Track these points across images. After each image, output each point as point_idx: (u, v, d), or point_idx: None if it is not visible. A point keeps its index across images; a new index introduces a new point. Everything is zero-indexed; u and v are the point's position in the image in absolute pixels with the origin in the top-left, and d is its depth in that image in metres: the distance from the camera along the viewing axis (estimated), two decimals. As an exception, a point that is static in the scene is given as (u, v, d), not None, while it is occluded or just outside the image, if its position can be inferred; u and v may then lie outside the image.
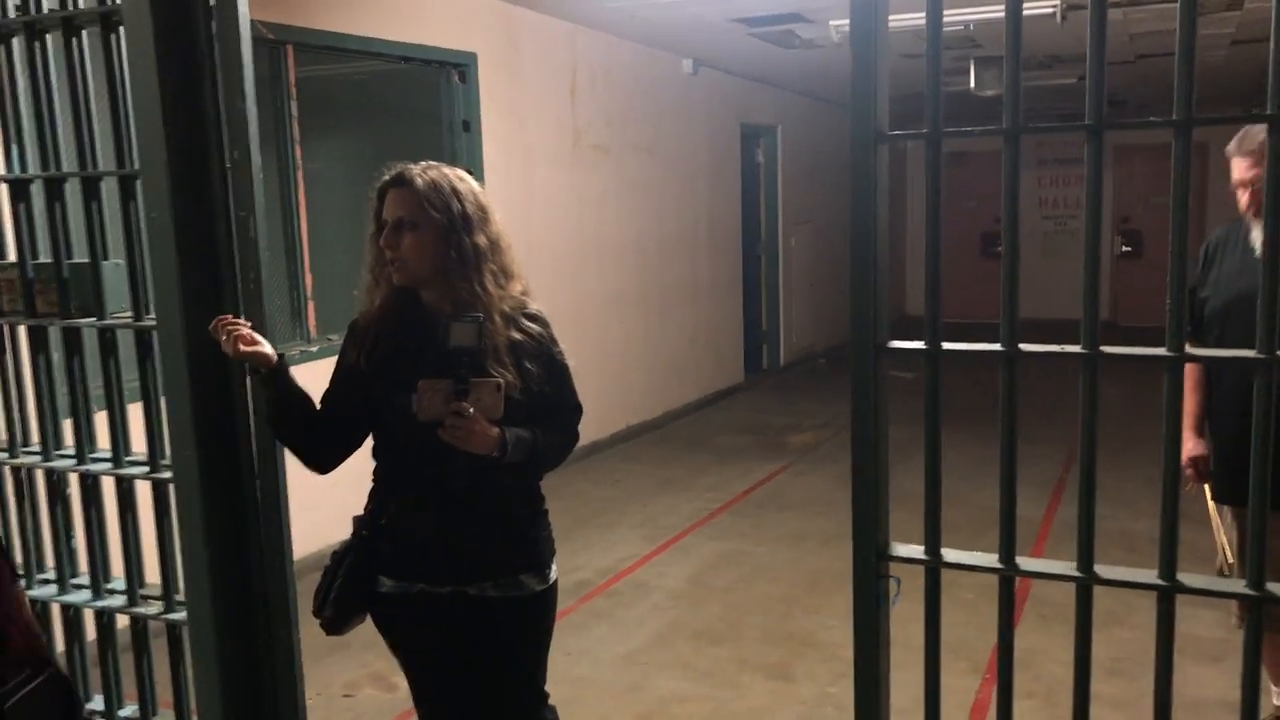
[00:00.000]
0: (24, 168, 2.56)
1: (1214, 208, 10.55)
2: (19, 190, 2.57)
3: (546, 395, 2.22)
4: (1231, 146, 2.69)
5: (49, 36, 2.50)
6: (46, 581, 2.71)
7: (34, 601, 2.61)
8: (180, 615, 2.47)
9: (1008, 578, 1.80)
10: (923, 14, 1.72)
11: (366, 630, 2.32)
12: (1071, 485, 5.72)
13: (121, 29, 2.29)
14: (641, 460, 7.10)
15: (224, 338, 2.13)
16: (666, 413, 8.19)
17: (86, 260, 2.48)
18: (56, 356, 2.68)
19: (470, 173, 2.29)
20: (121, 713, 2.68)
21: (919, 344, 1.78)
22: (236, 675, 2.41)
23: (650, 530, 5.54)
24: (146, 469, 2.50)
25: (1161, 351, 1.63)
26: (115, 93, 2.35)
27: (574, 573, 4.84)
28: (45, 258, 2.56)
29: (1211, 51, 7.92)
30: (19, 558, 2.74)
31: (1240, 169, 2.68)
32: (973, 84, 7.87)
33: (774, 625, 4.26)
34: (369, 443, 2.30)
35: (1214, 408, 2.94)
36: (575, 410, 2.32)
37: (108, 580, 2.65)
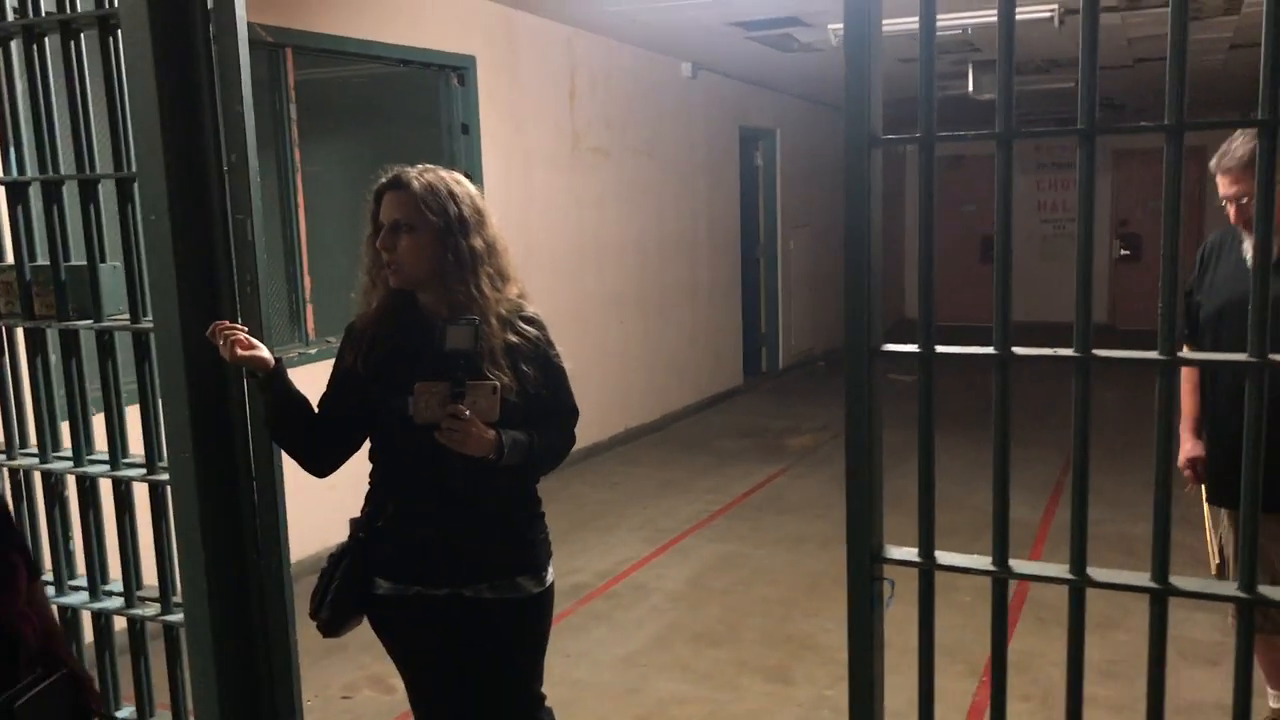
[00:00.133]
0: (22, 170, 2.56)
1: (1211, 211, 10.56)
2: (17, 193, 2.57)
3: (543, 398, 2.23)
4: (1213, 163, 2.70)
5: (47, 39, 2.51)
6: (44, 583, 2.71)
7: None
8: (177, 617, 2.48)
9: (1001, 580, 1.81)
10: (917, 18, 1.73)
11: (364, 632, 2.33)
12: (1069, 489, 5.71)
13: (119, 32, 2.29)
14: (640, 463, 7.10)
15: (221, 342, 2.14)
16: (665, 415, 8.20)
17: (84, 263, 2.48)
18: (54, 358, 2.69)
19: (468, 176, 2.30)
20: (119, 714, 2.68)
21: (912, 347, 1.79)
22: (234, 677, 2.42)
23: (649, 532, 5.55)
24: (144, 471, 2.51)
25: (1154, 355, 1.64)
26: (113, 96, 2.36)
27: (573, 575, 4.84)
28: (43, 260, 2.56)
29: (1209, 56, 7.93)
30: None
31: (1223, 185, 2.69)
32: (970, 88, 7.88)
33: (773, 628, 4.26)
34: (367, 445, 2.30)
35: (1208, 411, 2.95)
36: (572, 413, 2.32)
37: (105, 582, 2.65)
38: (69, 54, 2.42)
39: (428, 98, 5.84)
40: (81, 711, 1.49)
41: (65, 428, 2.67)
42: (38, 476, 2.69)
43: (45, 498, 2.68)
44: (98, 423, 2.62)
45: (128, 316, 2.46)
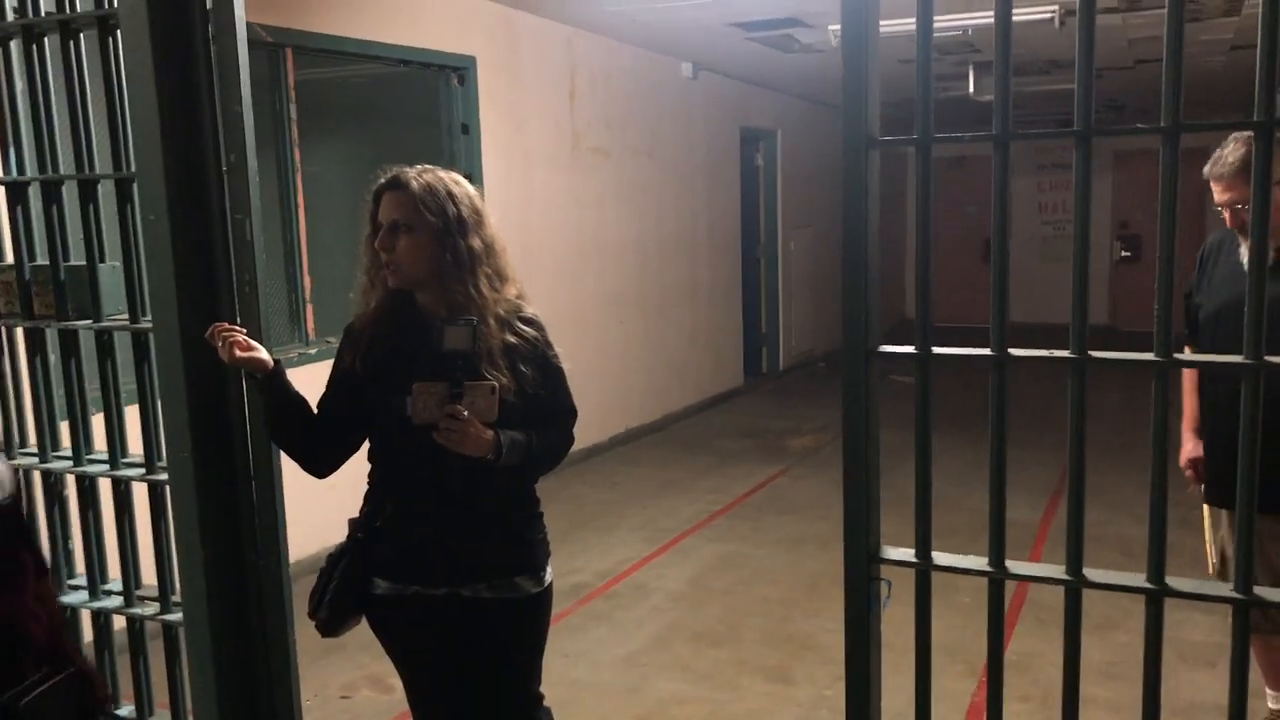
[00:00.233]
0: (21, 170, 2.57)
1: (1212, 213, 10.53)
2: (17, 193, 2.58)
3: (541, 398, 2.23)
4: (1207, 170, 2.70)
5: (47, 40, 2.51)
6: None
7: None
8: (176, 616, 2.48)
9: (997, 581, 1.81)
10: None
11: (363, 632, 2.33)
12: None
13: (119, 32, 2.30)
14: (641, 463, 7.11)
15: (220, 344, 2.14)
16: (666, 415, 8.20)
17: (83, 263, 2.49)
18: (54, 358, 2.69)
19: (468, 176, 2.30)
20: (118, 713, 2.68)
21: (909, 348, 1.79)
22: (233, 676, 2.42)
23: (649, 533, 5.55)
24: (143, 471, 2.51)
25: (1149, 356, 1.64)
26: (112, 96, 2.36)
27: (573, 575, 4.84)
28: (42, 260, 2.57)
29: (1210, 57, 7.93)
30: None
31: (1217, 192, 2.70)
32: (971, 89, 7.89)
33: (773, 628, 4.27)
34: (366, 445, 2.31)
35: (1206, 413, 2.95)
36: (570, 413, 2.32)
37: (104, 581, 2.66)
38: (68, 54, 2.43)
39: (428, 98, 5.85)
40: (88, 711, 1.50)
41: (65, 427, 2.68)
42: (37, 476, 2.70)
43: (45, 497, 2.68)
44: (97, 422, 2.63)
45: (127, 316, 2.47)
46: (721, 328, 9.20)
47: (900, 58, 7.05)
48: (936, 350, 1.78)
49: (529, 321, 2.24)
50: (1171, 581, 1.69)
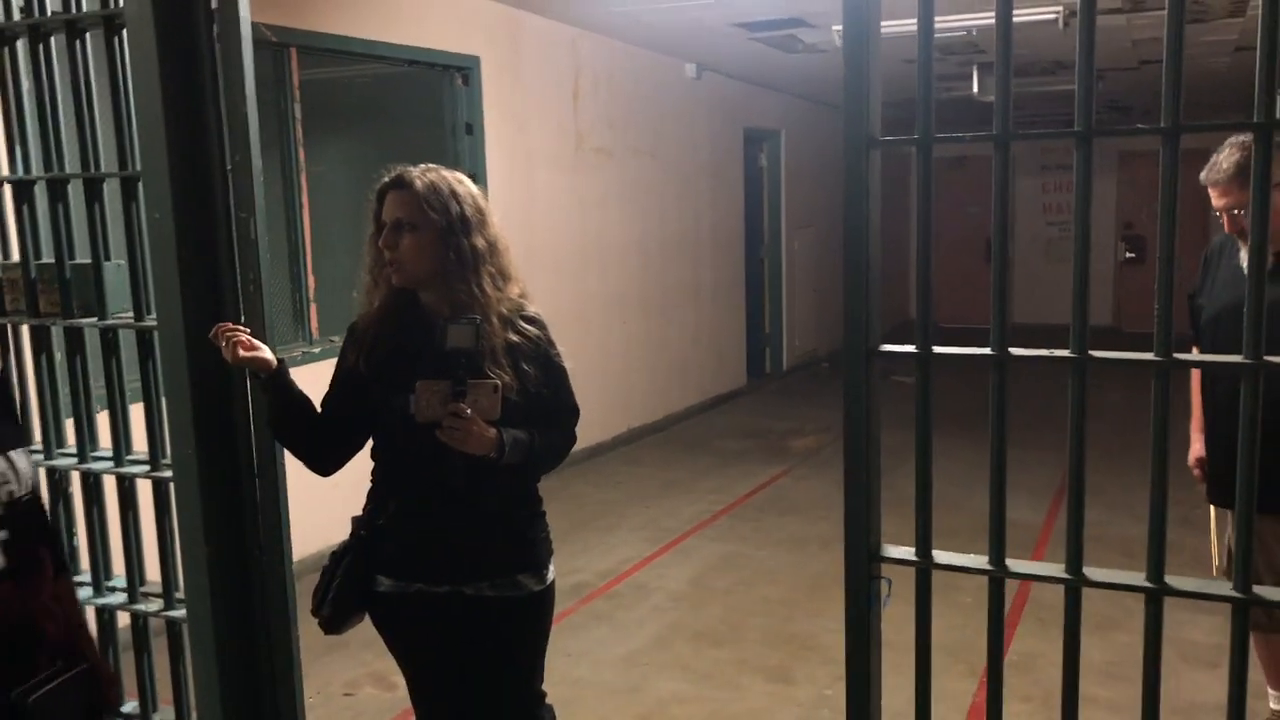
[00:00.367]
0: (27, 169, 2.58)
1: (1214, 214, 10.53)
2: (22, 191, 2.59)
3: (544, 397, 2.24)
4: (1203, 176, 2.70)
5: (53, 39, 2.52)
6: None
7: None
8: (180, 613, 2.49)
9: (997, 579, 1.82)
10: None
11: (366, 630, 2.34)
12: (1072, 490, 5.71)
13: (124, 32, 2.31)
14: (643, 463, 7.11)
15: (223, 344, 2.15)
16: (668, 415, 8.21)
17: (89, 261, 2.50)
18: (59, 356, 2.70)
19: (472, 176, 2.31)
20: (122, 709, 2.69)
21: (910, 348, 1.80)
22: (236, 673, 2.43)
23: (651, 532, 5.56)
24: (147, 468, 2.52)
25: (1149, 356, 1.64)
26: (118, 95, 2.37)
27: (574, 574, 4.85)
28: (48, 258, 2.58)
29: (1215, 58, 7.92)
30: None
31: (1214, 198, 2.70)
32: (975, 89, 7.89)
33: (774, 628, 4.27)
34: (370, 444, 2.32)
35: (1208, 413, 2.96)
36: (573, 412, 2.33)
37: (109, 578, 2.67)
38: (74, 53, 2.44)
39: (432, 98, 5.86)
40: (96, 708, 1.50)
41: (69, 425, 2.69)
42: (42, 473, 2.71)
43: (50, 494, 2.69)
44: (102, 420, 2.64)
45: (132, 314, 2.48)
46: (724, 328, 9.20)
47: (904, 58, 7.06)
48: (937, 350, 1.78)
49: (532, 320, 2.25)
50: (1171, 581, 1.69)
